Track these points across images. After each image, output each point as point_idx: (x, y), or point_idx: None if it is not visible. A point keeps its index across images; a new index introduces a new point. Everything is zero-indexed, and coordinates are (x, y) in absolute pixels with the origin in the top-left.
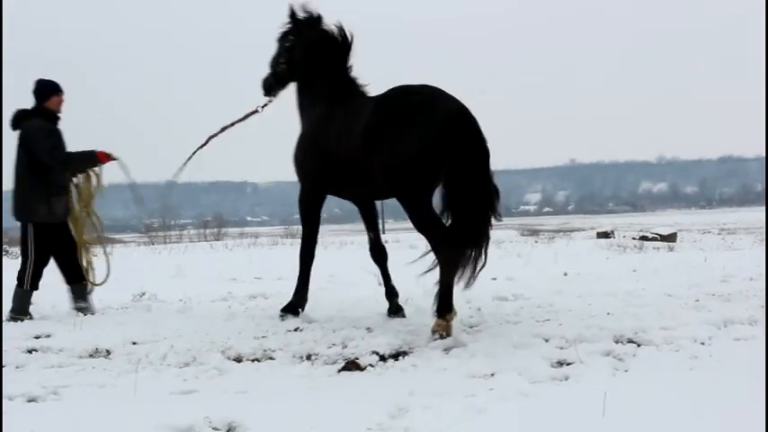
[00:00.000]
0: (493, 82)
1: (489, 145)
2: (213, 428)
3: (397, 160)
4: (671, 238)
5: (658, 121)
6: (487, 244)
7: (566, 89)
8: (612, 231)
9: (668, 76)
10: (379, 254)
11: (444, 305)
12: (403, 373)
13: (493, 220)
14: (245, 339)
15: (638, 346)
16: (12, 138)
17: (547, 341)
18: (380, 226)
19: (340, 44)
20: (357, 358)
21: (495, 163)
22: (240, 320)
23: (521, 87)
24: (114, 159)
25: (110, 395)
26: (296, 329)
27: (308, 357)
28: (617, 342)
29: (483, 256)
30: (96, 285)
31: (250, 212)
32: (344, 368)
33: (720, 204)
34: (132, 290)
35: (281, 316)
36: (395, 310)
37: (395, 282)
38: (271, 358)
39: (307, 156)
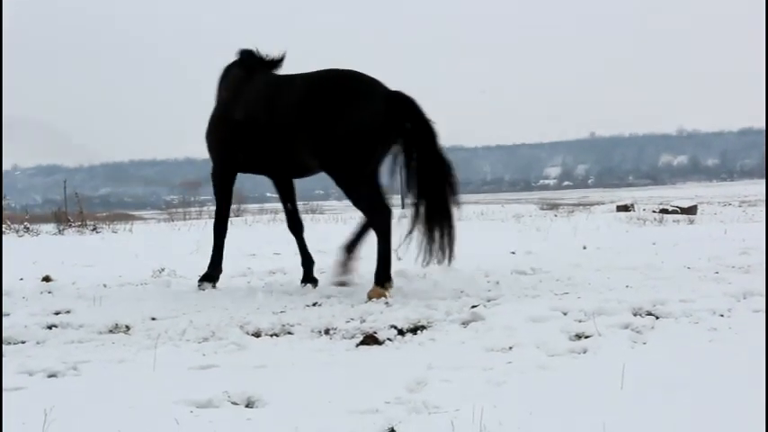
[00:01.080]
0: (505, 69)
1: (435, 124)
2: (232, 403)
3: (339, 137)
4: (691, 210)
5: (678, 94)
6: (450, 221)
7: (585, 63)
8: (632, 205)
9: (687, 48)
10: (296, 225)
11: (383, 275)
12: (421, 346)
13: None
14: (263, 314)
15: (657, 318)
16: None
17: (565, 314)
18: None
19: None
20: (375, 332)
21: (515, 137)
22: (259, 296)
23: (539, 61)
24: None
25: (129, 370)
26: (314, 304)
27: (327, 332)
28: (635, 315)
29: (448, 233)
30: None
31: (270, 188)
32: (363, 342)
33: (741, 176)
34: (152, 266)
35: (199, 285)
36: (308, 279)
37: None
38: (289, 333)
39: (218, 131)
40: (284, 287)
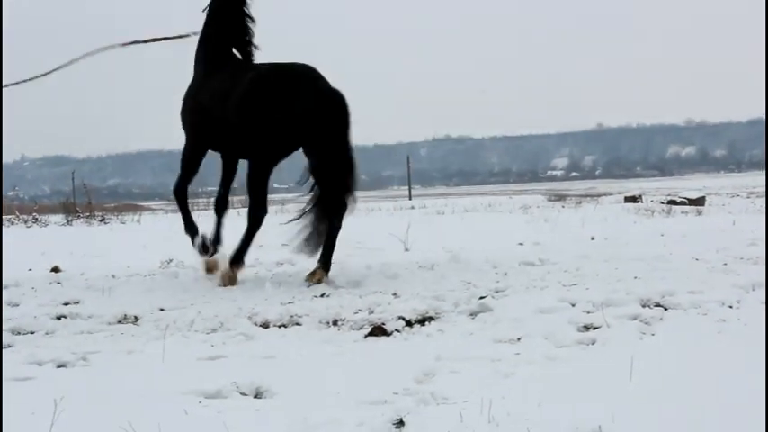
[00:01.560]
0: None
1: (353, 126)
2: (241, 393)
3: (265, 128)
4: (699, 201)
5: (686, 84)
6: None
7: (592, 52)
8: (640, 196)
9: (695, 37)
10: (223, 206)
11: (238, 257)
12: (429, 338)
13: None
14: (271, 305)
15: (665, 309)
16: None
17: (573, 305)
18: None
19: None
20: (383, 323)
21: (522, 128)
22: (267, 286)
23: (546, 51)
24: None
25: (138, 361)
26: (322, 295)
27: (335, 323)
28: (644, 306)
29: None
30: None
31: (277, 179)
32: (371, 333)
33: (750, 167)
34: (160, 256)
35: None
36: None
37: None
38: (297, 324)
39: (187, 111)
40: (292, 278)
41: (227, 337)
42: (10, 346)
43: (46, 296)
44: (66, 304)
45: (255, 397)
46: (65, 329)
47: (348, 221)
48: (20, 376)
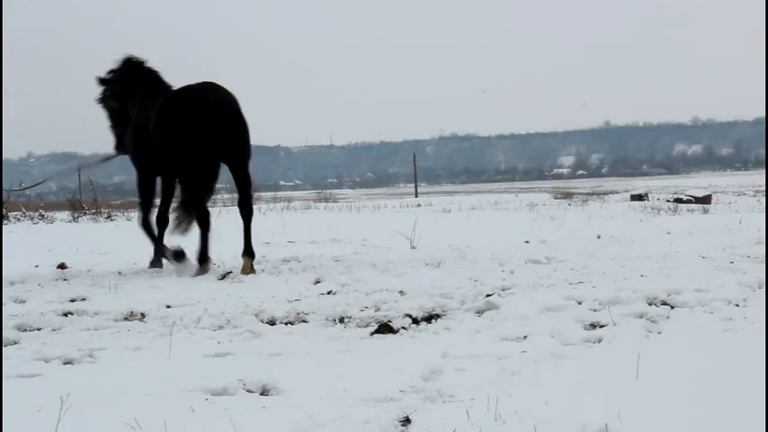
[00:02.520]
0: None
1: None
2: (247, 390)
3: (175, 142)
4: (706, 200)
5: (693, 83)
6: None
7: (599, 51)
8: (646, 194)
9: (701, 36)
10: (164, 222)
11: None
12: (436, 335)
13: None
14: (278, 303)
15: (672, 308)
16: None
17: (580, 303)
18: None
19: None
20: (390, 321)
21: (529, 126)
22: (274, 284)
23: (552, 50)
24: None
25: (145, 358)
26: (329, 293)
27: (341, 320)
28: (650, 304)
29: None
30: None
31: (283, 177)
32: (377, 331)
33: (756, 166)
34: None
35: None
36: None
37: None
38: (304, 321)
39: (132, 145)
40: (298, 275)
41: (234, 334)
42: (16, 343)
43: (52, 293)
44: (72, 301)
45: (262, 394)
46: (71, 326)
47: (355, 219)
48: (26, 373)
